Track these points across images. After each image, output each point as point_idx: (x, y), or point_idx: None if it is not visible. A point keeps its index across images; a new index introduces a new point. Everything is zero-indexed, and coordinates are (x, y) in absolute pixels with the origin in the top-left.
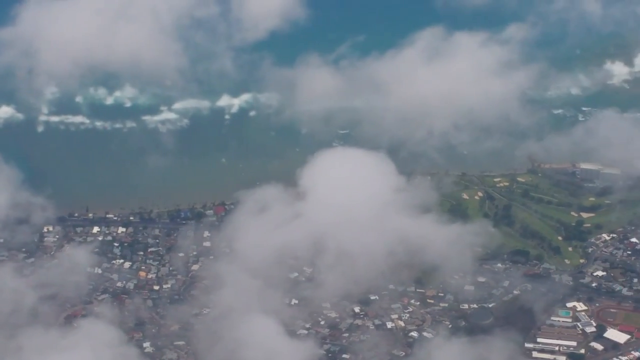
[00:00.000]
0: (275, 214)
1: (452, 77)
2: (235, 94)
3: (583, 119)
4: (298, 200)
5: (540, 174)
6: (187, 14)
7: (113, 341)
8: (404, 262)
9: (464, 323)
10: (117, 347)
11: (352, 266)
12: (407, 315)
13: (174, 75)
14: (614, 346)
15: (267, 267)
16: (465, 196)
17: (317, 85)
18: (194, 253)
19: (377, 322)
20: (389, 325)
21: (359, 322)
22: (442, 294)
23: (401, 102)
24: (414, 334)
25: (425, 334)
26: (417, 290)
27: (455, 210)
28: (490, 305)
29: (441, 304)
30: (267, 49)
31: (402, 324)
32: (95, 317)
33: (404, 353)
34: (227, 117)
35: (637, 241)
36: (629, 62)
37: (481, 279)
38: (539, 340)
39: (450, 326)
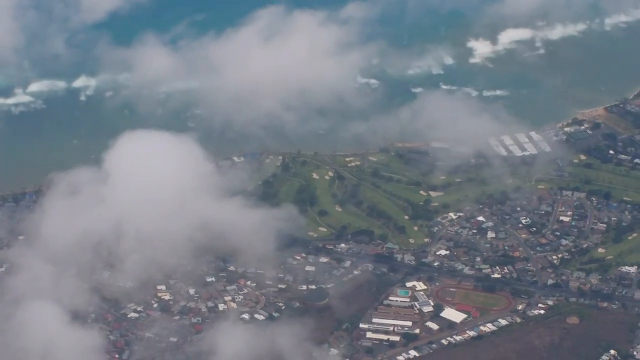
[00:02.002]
0: (83, 197)
1: (289, 57)
2: (88, 74)
3: (439, 97)
4: (103, 184)
5: (392, 153)
6: None
7: None
8: (206, 245)
9: (297, 304)
10: None
11: (152, 250)
12: (241, 297)
13: (18, 57)
14: (449, 325)
15: (72, 252)
16: (315, 176)
17: (167, 66)
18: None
19: (210, 304)
20: (221, 307)
21: (192, 304)
22: (281, 275)
23: (240, 83)
24: (245, 316)
25: (257, 315)
26: (258, 271)
27: (304, 190)
28: (328, 286)
29: (279, 285)
30: (111, 29)
31: (234, 305)
32: None
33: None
34: (82, 98)
35: (483, 220)
36: (494, 40)
37: (323, 260)
38: (374, 320)
39: (283, 307)
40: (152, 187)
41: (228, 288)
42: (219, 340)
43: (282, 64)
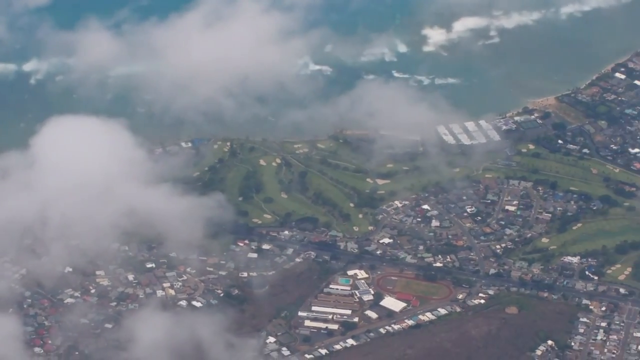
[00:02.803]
0: (10, 182)
1: (233, 43)
2: (39, 58)
3: (389, 85)
4: (29, 169)
5: (341, 140)
6: None
7: None
8: (133, 231)
9: (237, 291)
10: None
11: (77, 236)
12: (180, 283)
13: None
14: (388, 314)
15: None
16: (262, 162)
17: (112, 50)
18: None
19: (148, 290)
20: (159, 294)
21: (130, 290)
22: (223, 262)
23: (186, 68)
24: (183, 303)
25: (194, 302)
26: (200, 257)
27: (250, 177)
28: (269, 274)
29: (220, 272)
30: (54, 13)
31: (172, 292)
32: None
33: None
34: (32, 82)
35: (428, 208)
36: (448, 28)
37: (266, 247)
38: (313, 308)
39: (222, 294)
40: (78, 172)
41: (168, 274)
42: (139, 328)
43: (226, 50)
